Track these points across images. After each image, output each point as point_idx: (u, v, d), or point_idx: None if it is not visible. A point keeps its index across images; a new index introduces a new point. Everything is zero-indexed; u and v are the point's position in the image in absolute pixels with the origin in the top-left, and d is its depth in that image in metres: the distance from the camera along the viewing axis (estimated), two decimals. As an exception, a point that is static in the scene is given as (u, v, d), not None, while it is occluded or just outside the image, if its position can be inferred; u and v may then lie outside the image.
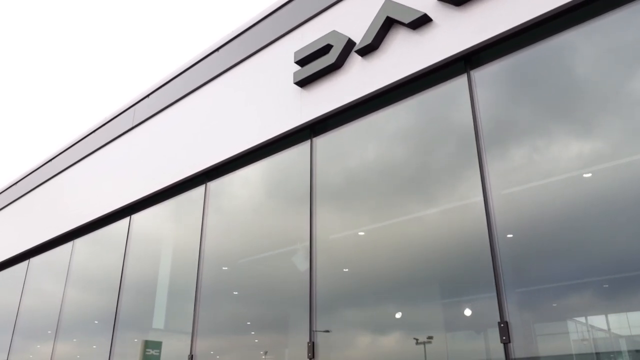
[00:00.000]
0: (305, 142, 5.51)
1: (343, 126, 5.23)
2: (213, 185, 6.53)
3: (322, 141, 5.39)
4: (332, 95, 5.21)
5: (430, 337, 4.05)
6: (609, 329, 3.28)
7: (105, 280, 7.80)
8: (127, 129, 8.14)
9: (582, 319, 3.39)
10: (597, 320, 3.33)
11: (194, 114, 6.93)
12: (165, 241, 7.56)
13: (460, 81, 4.37)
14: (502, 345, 3.49)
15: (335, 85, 5.22)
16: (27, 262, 10.03)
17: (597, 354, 3.34)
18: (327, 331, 4.64)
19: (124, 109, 8.31)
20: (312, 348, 4.61)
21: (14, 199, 10.81)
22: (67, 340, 8.23)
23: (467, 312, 3.76)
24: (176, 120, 7.26)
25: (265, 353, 5.42)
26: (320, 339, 4.64)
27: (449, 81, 4.46)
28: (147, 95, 8.01)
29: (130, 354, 6.96)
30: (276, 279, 5.67)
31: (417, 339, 4.12)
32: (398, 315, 4.24)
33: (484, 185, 3.95)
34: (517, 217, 3.82)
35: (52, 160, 9.73)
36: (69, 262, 8.65)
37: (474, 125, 4.16)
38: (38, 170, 10.21)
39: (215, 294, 6.01)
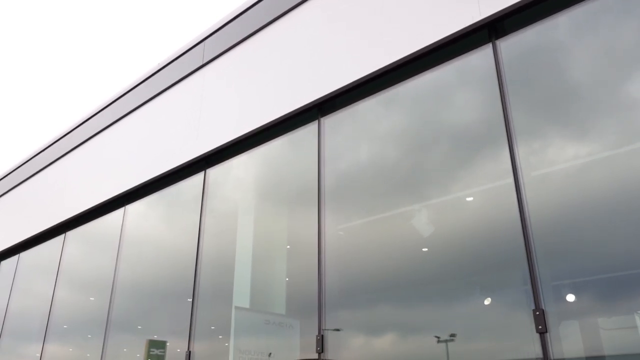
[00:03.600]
0: (484, 46, 4.08)
1: (550, 17, 3.80)
2: (328, 121, 5.09)
3: (511, 44, 3.96)
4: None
5: (452, 335, 3.53)
6: None
7: (173, 245, 6.36)
8: (196, 67, 6.69)
9: None
10: None
11: (302, 31, 5.49)
12: (246, 197, 6.12)
13: None
14: None
15: (536, -38, 3.79)
16: (63, 235, 8.57)
17: None
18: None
19: (193, 44, 6.86)
20: (542, 318, 3.17)
21: (64, 153, 9.18)
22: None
23: None
24: (267, 47, 5.82)
25: (270, 355, 4.79)
26: (552, 307, 3.21)
27: None
28: (222, 26, 6.57)
29: (218, 325, 5.54)
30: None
31: (438, 337, 3.65)
32: None
33: None
34: None
35: (106, 109, 8.22)
36: (121, 229, 7.19)
37: None
38: (93, 118, 8.60)
39: (343, 255, 4.57)
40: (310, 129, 5.20)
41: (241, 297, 5.91)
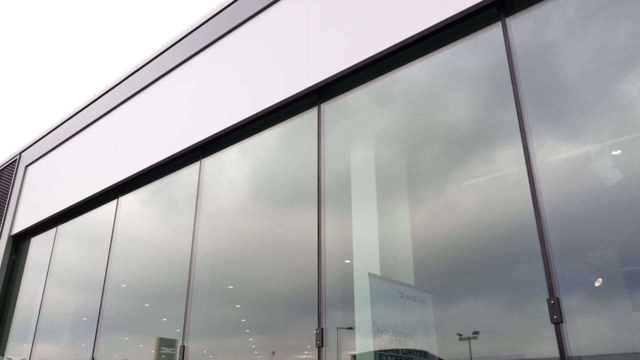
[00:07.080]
0: None
1: None
2: (514, 22, 3.83)
3: None
4: None
5: (475, 333, 3.38)
6: None
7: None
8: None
9: None
10: None
11: None
12: (366, 135, 4.86)
13: None
14: None
15: None
16: (116, 200, 7.31)
17: None
18: None
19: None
20: None
21: (123, 100, 7.56)
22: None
23: None
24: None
25: (273, 353, 4.45)
26: None
27: None
28: None
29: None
30: None
31: (460, 335, 3.49)
32: None
33: None
34: None
35: (178, 44, 6.87)
36: (198, 188, 5.93)
37: None
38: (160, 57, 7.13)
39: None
40: (484, 36, 3.93)
41: (365, 262, 4.68)
